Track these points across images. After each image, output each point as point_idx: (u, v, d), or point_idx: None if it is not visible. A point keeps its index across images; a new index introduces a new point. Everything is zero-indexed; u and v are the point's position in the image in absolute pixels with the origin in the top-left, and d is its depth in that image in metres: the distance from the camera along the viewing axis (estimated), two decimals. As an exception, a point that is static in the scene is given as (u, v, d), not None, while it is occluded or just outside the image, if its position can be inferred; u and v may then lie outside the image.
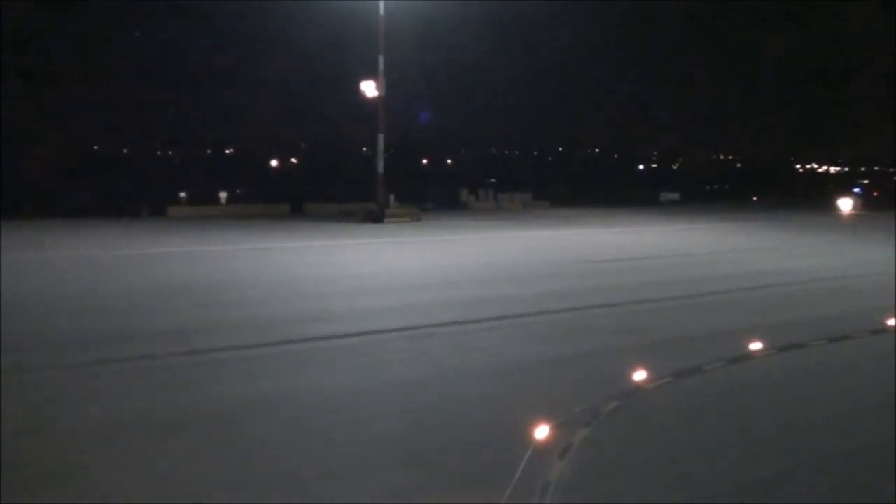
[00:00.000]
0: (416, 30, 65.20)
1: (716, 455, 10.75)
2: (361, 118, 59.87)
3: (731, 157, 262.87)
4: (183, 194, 60.09)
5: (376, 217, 50.58)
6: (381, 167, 52.56)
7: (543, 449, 10.69)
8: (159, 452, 10.52)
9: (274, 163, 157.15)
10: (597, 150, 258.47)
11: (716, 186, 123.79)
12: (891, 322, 19.55)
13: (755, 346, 16.69)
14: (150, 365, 14.80)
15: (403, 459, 10.43)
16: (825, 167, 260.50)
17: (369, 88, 52.48)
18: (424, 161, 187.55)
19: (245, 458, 10.38)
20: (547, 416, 11.67)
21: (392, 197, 55.25)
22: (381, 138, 52.81)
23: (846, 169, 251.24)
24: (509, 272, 28.19)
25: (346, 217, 52.75)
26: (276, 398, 12.88)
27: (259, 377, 14.12)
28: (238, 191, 72.82)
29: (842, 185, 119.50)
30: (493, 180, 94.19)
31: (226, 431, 11.36)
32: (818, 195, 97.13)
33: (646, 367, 14.57)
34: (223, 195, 62.32)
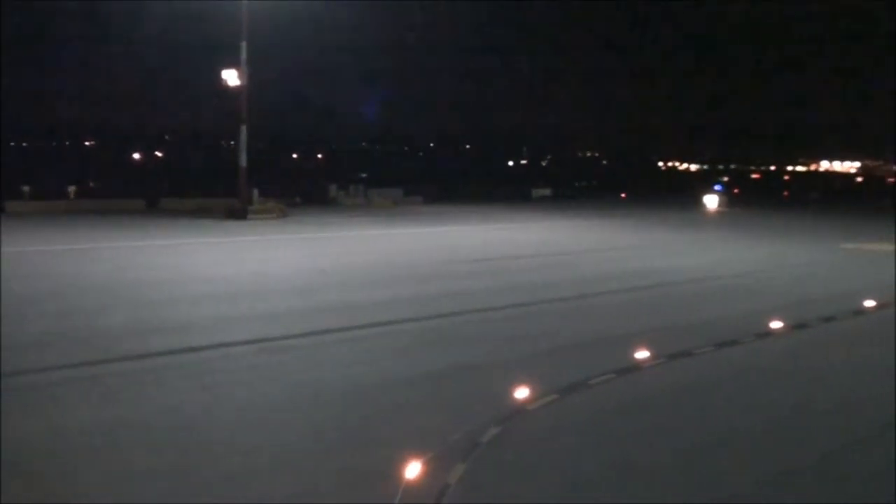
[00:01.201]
0: (287, 18, 62.27)
1: (605, 494, 9.25)
2: (227, 110, 56.37)
3: (597, 154, 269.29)
4: (26, 188, 55.10)
5: (239, 213, 47.69)
6: (243, 161, 49.60)
7: (415, 492, 8.93)
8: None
9: (136, 155, 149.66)
10: (467, 146, 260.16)
11: (584, 183, 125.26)
12: (774, 325, 18.77)
13: (642, 354, 15.42)
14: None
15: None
16: (686, 165, 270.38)
17: (231, 77, 49.44)
18: (294, 155, 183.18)
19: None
20: (419, 448, 9.91)
21: (256, 192, 52.31)
22: (243, 130, 49.85)
23: (706, 167, 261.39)
24: (378, 274, 26.33)
25: (207, 213, 49.47)
26: (86, 431, 10.60)
27: (69, 405, 11.73)
28: (91, 184, 67.93)
29: (705, 183, 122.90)
30: (363, 175, 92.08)
31: (11, 475, 9.04)
32: (684, 192, 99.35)
33: (528, 382, 13.01)
34: (72, 189, 57.70)
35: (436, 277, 25.74)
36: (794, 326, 18.81)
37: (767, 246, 38.31)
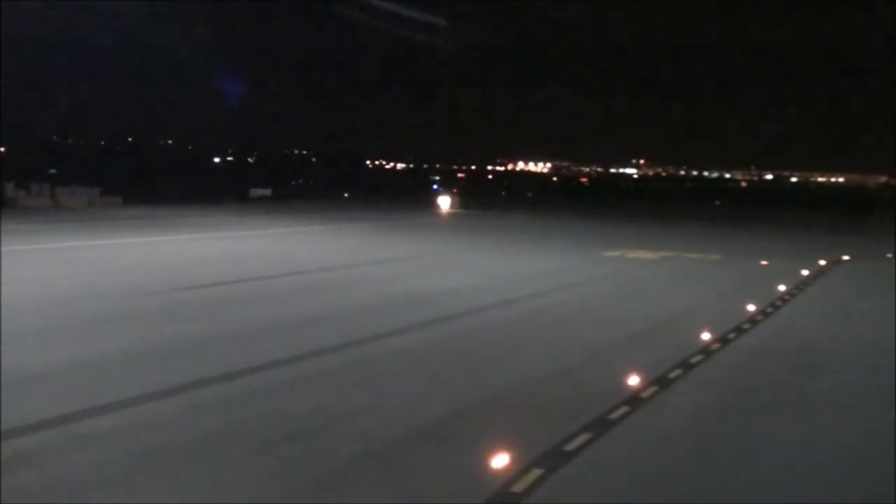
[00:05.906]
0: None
1: None
2: None
3: (305, 151, 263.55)
4: None
5: None
6: None
7: None
8: None
9: None
10: (169, 140, 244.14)
11: (301, 181, 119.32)
12: (632, 381, 14.02)
13: (500, 460, 9.87)
14: None
15: None
16: (392, 163, 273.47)
17: None
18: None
19: None
20: None
21: None
22: None
23: (411, 165, 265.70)
24: (71, 312, 18.73)
25: None
26: None
27: None
28: None
29: (417, 182, 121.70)
30: (52, 172, 79.66)
31: None
32: (403, 191, 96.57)
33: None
34: None
35: (141, 317, 18.47)
36: (659, 382, 14.20)
37: (532, 256, 34.60)
